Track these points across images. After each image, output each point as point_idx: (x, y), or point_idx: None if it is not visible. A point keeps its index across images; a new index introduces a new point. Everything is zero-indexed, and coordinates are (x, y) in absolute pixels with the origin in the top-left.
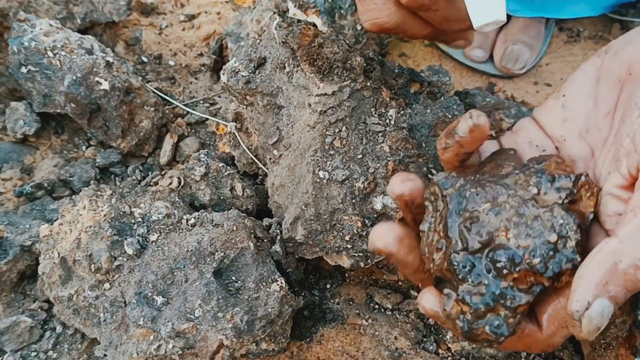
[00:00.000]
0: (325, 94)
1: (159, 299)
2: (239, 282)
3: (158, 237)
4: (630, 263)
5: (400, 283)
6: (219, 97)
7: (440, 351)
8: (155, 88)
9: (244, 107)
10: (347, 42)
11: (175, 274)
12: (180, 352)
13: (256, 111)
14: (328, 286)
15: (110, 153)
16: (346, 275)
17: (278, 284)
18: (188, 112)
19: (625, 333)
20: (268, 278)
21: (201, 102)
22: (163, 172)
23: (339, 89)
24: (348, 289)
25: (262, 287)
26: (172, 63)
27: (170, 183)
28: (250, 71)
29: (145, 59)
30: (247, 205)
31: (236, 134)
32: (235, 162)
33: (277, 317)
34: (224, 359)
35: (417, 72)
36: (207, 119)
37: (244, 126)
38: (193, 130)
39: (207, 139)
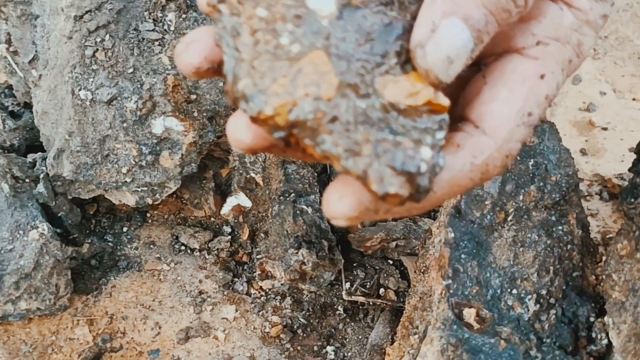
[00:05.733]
0: None
1: None
2: None
3: None
4: None
5: (212, 219)
6: None
7: (252, 291)
8: None
9: (4, 21)
10: None
11: None
12: None
13: (11, 24)
14: (125, 229)
15: None
16: (148, 215)
17: (38, 232)
18: None
19: (437, 253)
20: (27, 225)
21: None
22: None
23: None
24: (150, 231)
25: (18, 236)
26: None
27: None
28: None
29: None
30: (11, 140)
31: (9, 57)
32: (14, 92)
33: (34, 270)
34: None
35: None
36: None
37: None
38: None
39: None
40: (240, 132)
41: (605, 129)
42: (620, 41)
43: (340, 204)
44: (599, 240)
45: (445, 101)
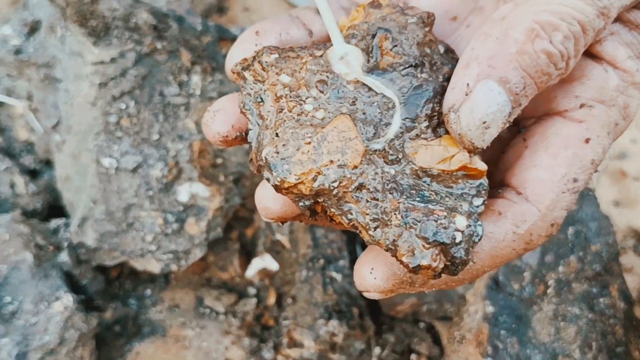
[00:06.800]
0: (103, 62)
1: None
2: (15, 303)
3: None
4: (525, 28)
5: (238, 279)
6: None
7: (279, 357)
8: None
9: (27, 82)
10: None
11: None
12: None
13: (34, 86)
14: (149, 292)
15: None
16: (172, 276)
17: (62, 303)
18: None
19: (475, 326)
20: (51, 296)
21: None
22: None
23: (119, 54)
24: (173, 293)
25: (42, 308)
26: None
27: None
28: (23, 38)
29: None
30: (33, 204)
31: (31, 115)
32: (35, 148)
33: (59, 345)
34: None
35: (226, 29)
36: None
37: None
38: None
39: (5, 122)
40: (268, 200)
41: (637, 178)
42: None
43: (372, 276)
44: (635, 298)
45: (482, 166)
